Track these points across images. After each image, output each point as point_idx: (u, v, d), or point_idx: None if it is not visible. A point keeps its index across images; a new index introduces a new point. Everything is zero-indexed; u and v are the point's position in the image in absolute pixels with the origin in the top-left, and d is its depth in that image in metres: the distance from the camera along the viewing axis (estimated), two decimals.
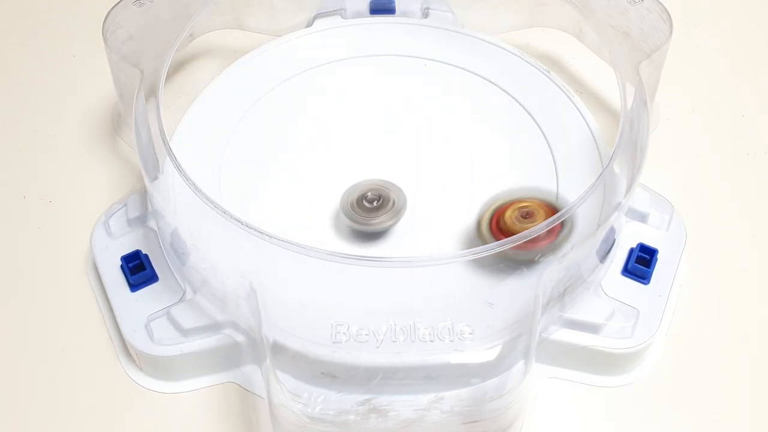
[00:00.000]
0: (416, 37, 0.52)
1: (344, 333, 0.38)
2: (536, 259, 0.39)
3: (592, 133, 0.47)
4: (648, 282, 0.43)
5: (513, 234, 0.39)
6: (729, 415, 0.41)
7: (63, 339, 0.43)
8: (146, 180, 0.42)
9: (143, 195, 0.45)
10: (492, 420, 0.38)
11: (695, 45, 0.57)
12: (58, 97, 0.54)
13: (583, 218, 0.42)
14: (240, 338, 0.41)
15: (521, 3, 0.53)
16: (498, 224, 0.41)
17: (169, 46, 0.46)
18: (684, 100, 0.54)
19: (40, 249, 0.47)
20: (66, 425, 0.41)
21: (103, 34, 0.46)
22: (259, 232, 0.38)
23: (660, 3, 0.47)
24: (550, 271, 0.39)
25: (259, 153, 0.47)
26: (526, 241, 0.37)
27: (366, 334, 0.38)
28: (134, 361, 0.42)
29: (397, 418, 0.37)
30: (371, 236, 0.43)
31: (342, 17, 0.53)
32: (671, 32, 0.46)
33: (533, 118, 0.48)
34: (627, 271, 0.43)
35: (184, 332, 0.40)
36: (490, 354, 0.38)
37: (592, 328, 0.41)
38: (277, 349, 0.38)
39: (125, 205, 0.45)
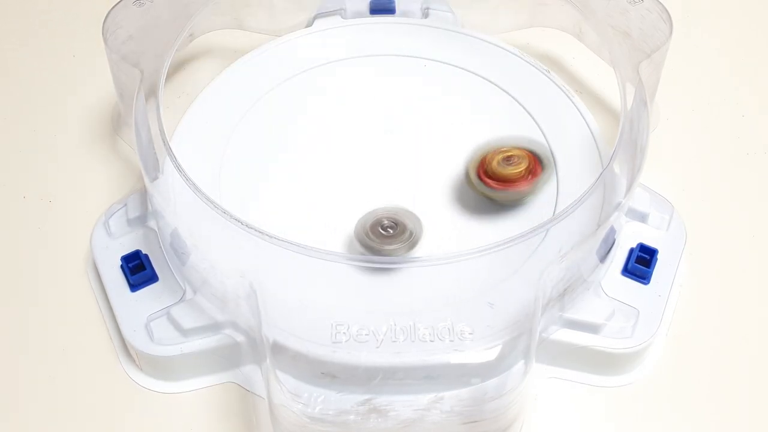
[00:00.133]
0: (416, 37, 0.52)
1: (344, 333, 0.38)
2: (519, 200, 0.43)
3: (592, 133, 0.47)
4: (648, 282, 0.43)
5: (499, 178, 0.42)
6: (729, 415, 0.41)
7: (63, 339, 0.43)
8: (146, 180, 0.42)
9: (143, 195, 0.45)
10: (492, 420, 0.38)
11: (695, 45, 0.57)
12: (58, 97, 0.54)
13: (583, 218, 0.42)
14: (240, 338, 0.41)
15: (521, 3, 0.53)
16: (484, 170, 0.43)
17: (169, 46, 0.46)
18: (684, 100, 0.54)
19: (40, 249, 0.47)
20: (66, 425, 0.41)
21: (103, 34, 0.46)
22: (259, 232, 0.38)
23: (660, 3, 0.47)
24: (550, 271, 0.39)
25: (259, 153, 0.47)
26: (507, 183, 0.42)
27: (366, 334, 0.38)
28: (134, 361, 0.42)
29: (397, 418, 0.37)
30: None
31: (342, 17, 0.53)
32: (671, 32, 0.46)
33: (533, 118, 0.48)
34: (627, 271, 0.43)
35: (184, 332, 0.40)
36: (490, 354, 0.38)
37: (592, 328, 0.41)
38: (277, 349, 0.38)
39: (125, 205, 0.45)
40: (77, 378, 0.42)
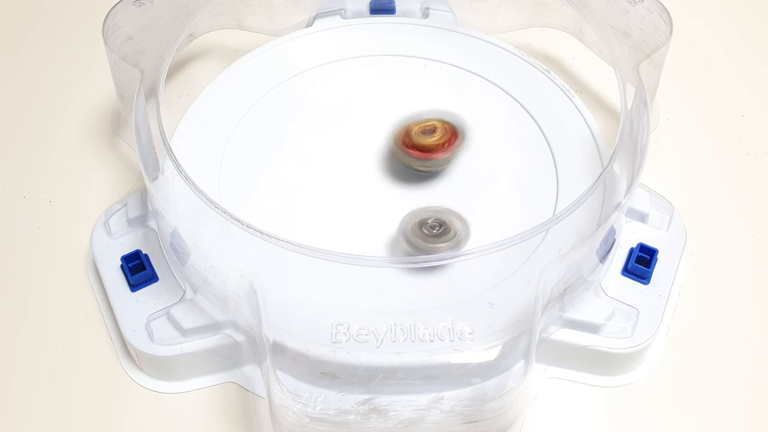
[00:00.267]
0: (416, 37, 0.52)
1: (344, 333, 0.38)
2: (438, 168, 0.45)
3: (592, 133, 0.47)
4: (648, 282, 0.43)
5: (419, 147, 0.45)
6: (729, 415, 0.41)
7: (63, 339, 0.43)
8: (146, 180, 0.42)
9: (143, 195, 0.45)
10: (492, 420, 0.38)
11: (695, 45, 0.57)
12: (58, 97, 0.54)
13: (583, 218, 0.42)
14: (240, 338, 0.41)
15: (521, 3, 0.53)
16: (406, 141, 0.45)
17: (169, 46, 0.46)
18: (684, 100, 0.54)
19: (40, 249, 0.47)
20: (66, 425, 0.41)
21: (103, 34, 0.46)
22: (259, 232, 0.38)
23: (660, 3, 0.47)
24: (550, 271, 0.39)
25: (259, 153, 0.47)
26: (426, 152, 0.45)
27: (366, 334, 0.38)
28: (134, 361, 0.42)
29: (397, 418, 0.37)
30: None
31: (342, 17, 0.53)
32: (671, 32, 0.46)
33: (533, 118, 0.48)
34: (627, 271, 0.43)
35: (184, 332, 0.40)
36: (490, 354, 0.38)
37: (592, 328, 0.41)
38: (277, 349, 0.38)
39: (125, 205, 0.45)
40: (77, 378, 0.42)
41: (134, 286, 0.42)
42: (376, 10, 0.54)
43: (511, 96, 0.49)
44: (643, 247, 0.44)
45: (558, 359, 0.42)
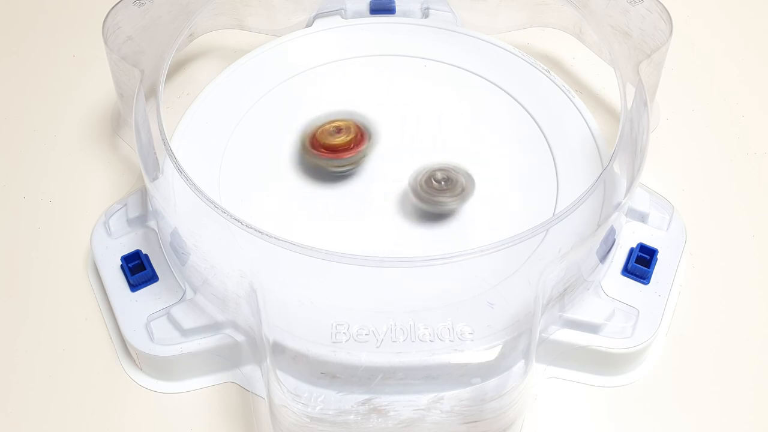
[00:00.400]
0: (416, 37, 0.52)
1: (344, 333, 0.38)
2: (346, 171, 0.46)
3: (592, 133, 0.47)
4: (648, 282, 0.43)
5: (327, 147, 0.46)
6: (729, 415, 0.41)
7: (63, 339, 0.43)
8: (146, 180, 0.42)
9: (143, 195, 0.45)
10: (492, 420, 0.38)
11: (695, 45, 0.57)
12: (58, 97, 0.54)
13: (583, 218, 0.42)
14: (240, 338, 0.41)
15: (521, 3, 0.53)
16: (315, 140, 0.46)
17: (169, 46, 0.46)
18: (684, 100, 0.54)
19: (40, 249, 0.47)
20: (66, 425, 0.41)
21: (103, 34, 0.46)
22: (259, 232, 0.38)
23: (660, 3, 0.47)
24: (550, 271, 0.39)
25: (259, 153, 0.47)
26: (333, 152, 0.45)
27: (366, 334, 0.38)
28: (134, 361, 0.42)
29: (397, 418, 0.37)
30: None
31: (342, 17, 0.53)
32: (671, 32, 0.46)
33: (533, 118, 0.48)
34: (627, 271, 0.43)
35: (184, 332, 0.40)
36: (490, 354, 0.38)
37: (592, 328, 0.41)
38: (277, 349, 0.38)
39: (125, 205, 0.45)
40: (77, 378, 0.42)
41: (134, 286, 0.42)
42: (376, 10, 0.54)
43: (511, 96, 0.49)
44: (643, 247, 0.44)
45: (558, 359, 0.42)
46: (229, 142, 0.47)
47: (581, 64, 0.54)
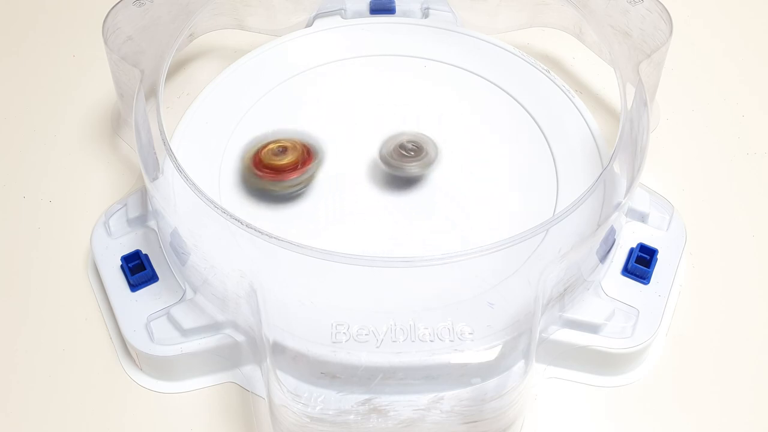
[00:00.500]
0: (416, 37, 0.52)
1: (344, 333, 0.38)
2: (292, 192, 0.44)
3: (592, 133, 0.47)
4: (648, 282, 0.43)
5: (269, 167, 0.44)
6: (729, 415, 0.41)
7: (63, 339, 0.43)
8: (146, 180, 0.42)
9: (143, 195, 0.45)
10: (492, 420, 0.38)
11: (695, 45, 0.57)
12: (58, 97, 0.54)
13: (583, 218, 0.42)
14: (240, 338, 0.41)
15: (521, 3, 0.53)
16: (258, 161, 0.45)
17: (169, 46, 0.46)
18: (684, 100, 0.54)
19: (40, 249, 0.47)
20: (65, 425, 0.41)
21: (103, 34, 0.46)
22: (259, 232, 0.38)
23: (660, 3, 0.47)
24: (550, 271, 0.39)
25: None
26: (278, 173, 0.44)
27: (366, 334, 0.38)
28: (134, 361, 0.42)
29: (397, 418, 0.37)
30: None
31: (342, 17, 0.53)
32: (671, 32, 0.46)
33: (533, 118, 0.48)
34: (627, 271, 0.43)
35: (184, 332, 0.40)
36: (490, 354, 0.38)
37: (592, 328, 0.41)
38: (277, 349, 0.38)
39: (125, 205, 0.45)
40: (77, 378, 0.42)
41: (134, 286, 0.42)
42: (376, 10, 0.54)
43: (511, 96, 0.49)
44: (643, 247, 0.44)
45: (558, 359, 0.42)
46: (229, 142, 0.47)
47: (581, 64, 0.54)
